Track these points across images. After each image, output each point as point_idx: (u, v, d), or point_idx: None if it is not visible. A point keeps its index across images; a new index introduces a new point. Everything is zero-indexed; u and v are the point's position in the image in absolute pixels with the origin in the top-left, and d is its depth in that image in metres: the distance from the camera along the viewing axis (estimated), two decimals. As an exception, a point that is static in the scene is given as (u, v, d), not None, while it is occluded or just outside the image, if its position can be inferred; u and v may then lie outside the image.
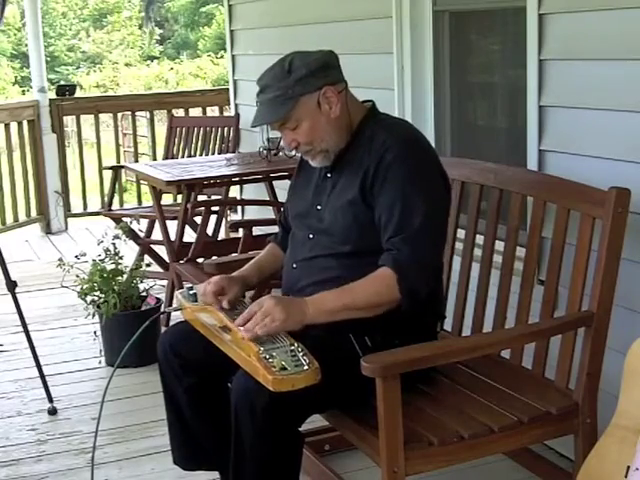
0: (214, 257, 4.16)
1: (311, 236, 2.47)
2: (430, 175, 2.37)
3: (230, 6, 5.75)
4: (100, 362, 4.02)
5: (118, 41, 27.06)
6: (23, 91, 21.82)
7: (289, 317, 2.20)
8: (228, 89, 6.01)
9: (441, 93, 3.68)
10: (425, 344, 2.30)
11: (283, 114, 2.32)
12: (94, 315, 4.01)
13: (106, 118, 8.20)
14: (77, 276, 3.98)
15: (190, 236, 4.95)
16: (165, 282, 4.62)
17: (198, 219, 4.61)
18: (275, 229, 2.84)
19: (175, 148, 5.92)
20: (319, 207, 2.46)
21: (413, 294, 2.27)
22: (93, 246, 4.16)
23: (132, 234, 4.94)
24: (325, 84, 2.33)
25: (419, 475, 2.26)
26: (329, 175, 2.46)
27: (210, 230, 4.78)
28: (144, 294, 4.10)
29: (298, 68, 2.31)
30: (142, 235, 5.22)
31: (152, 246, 5.12)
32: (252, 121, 2.41)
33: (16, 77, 24.48)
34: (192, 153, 5.83)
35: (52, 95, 7.24)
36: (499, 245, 2.75)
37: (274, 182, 4.83)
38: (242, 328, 2.20)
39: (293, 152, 2.47)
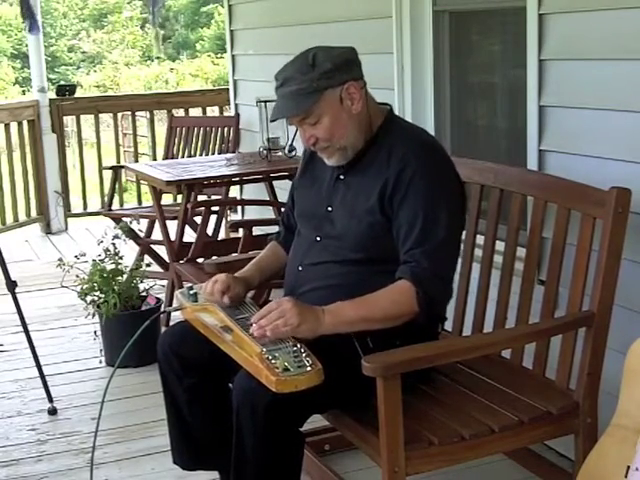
0: (214, 257, 4.16)
1: (318, 239, 2.46)
2: (450, 187, 2.36)
3: (230, 6, 5.75)
4: (100, 362, 4.02)
5: (118, 41, 27.06)
6: (23, 91, 21.82)
7: (302, 323, 2.18)
8: (228, 89, 6.01)
9: (441, 93, 3.68)
10: (426, 344, 2.30)
11: (307, 107, 2.29)
12: (94, 315, 4.01)
13: (106, 118, 8.20)
14: (77, 276, 3.98)
15: (190, 236, 4.95)
16: (165, 282, 4.62)
17: (198, 219, 4.61)
18: (275, 229, 2.83)
19: (175, 148, 5.92)
20: (330, 209, 2.44)
21: (431, 307, 2.27)
22: (93, 246, 4.16)
23: (132, 234, 4.93)
24: (348, 79, 2.31)
25: (419, 475, 2.26)
26: (342, 177, 2.44)
27: (210, 230, 4.78)
28: (144, 294, 4.10)
29: (323, 62, 2.28)
30: (142, 235, 5.22)
31: (152, 246, 5.12)
32: (272, 114, 2.36)
33: (16, 77, 24.49)
34: (192, 153, 5.83)
35: (52, 95, 7.24)
36: (499, 245, 2.75)
37: (274, 182, 4.82)
38: (255, 325, 2.20)
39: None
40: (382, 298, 2.26)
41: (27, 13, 6.20)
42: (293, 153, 4.35)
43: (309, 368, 2.07)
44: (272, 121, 2.43)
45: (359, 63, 2.38)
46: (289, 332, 2.18)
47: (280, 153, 4.64)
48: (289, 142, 4.30)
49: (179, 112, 7.17)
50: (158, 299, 4.12)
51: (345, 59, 2.33)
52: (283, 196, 4.45)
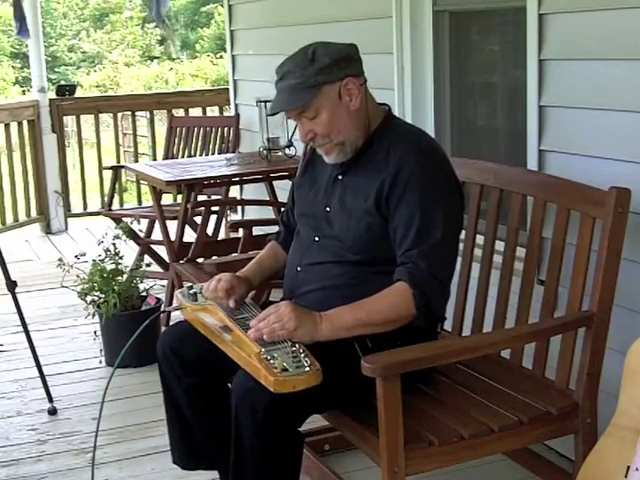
0: (214, 257, 4.16)
1: (317, 239, 2.46)
2: (447, 188, 2.36)
3: (230, 6, 5.75)
4: (100, 362, 4.02)
5: (118, 41, 27.06)
6: (23, 91, 21.81)
7: (299, 328, 2.18)
8: (228, 89, 6.01)
9: (441, 93, 3.68)
10: (425, 344, 2.30)
11: (305, 101, 2.29)
12: (94, 315, 4.01)
13: (106, 118, 8.20)
14: (77, 276, 3.98)
15: (190, 236, 4.95)
16: (165, 282, 4.62)
17: (198, 219, 4.61)
18: (275, 229, 2.83)
19: (175, 148, 5.92)
20: (328, 209, 2.45)
21: (429, 309, 2.26)
22: (93, 246, 4.16)
23: (132, 234, 4.93)
24: (347, 75, 2.31)
25: (419, 475, 2.26)
26: (340, 178, 2.44)
27: (210, 230, 4.78)
28: (144, 294, 4.10)
29: (321, 57, 2.29)
30: (142, 235, 5.22)
31: (152, 246, 5.12)
32: (270, 108, 2.37)
33: (16, 77, 24.48)
34: (192, 153, 5.83)
35: (52, 95, 7.24)
36: (499, 245, 2.75)
37: (274, 182, 4.83)
38: (252, 328, 2.20)
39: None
40: (380, 302, 2.26)
41: (19, 15, 6.23)
42: (292, 149, 4.35)
43: (307, 368, 2.07)
44: (270, 115, 2.43)
45: (359, 59, 2.38)
46: (285, 336, 2.18)
47: (280, 153, 4.64)
48: (289, 137, 4.30)
49: (179, 112, 7.16)
50: (158, 299, 4.12)
51: (344, 55, 2.33)
52: (283, 196, 4.46)
